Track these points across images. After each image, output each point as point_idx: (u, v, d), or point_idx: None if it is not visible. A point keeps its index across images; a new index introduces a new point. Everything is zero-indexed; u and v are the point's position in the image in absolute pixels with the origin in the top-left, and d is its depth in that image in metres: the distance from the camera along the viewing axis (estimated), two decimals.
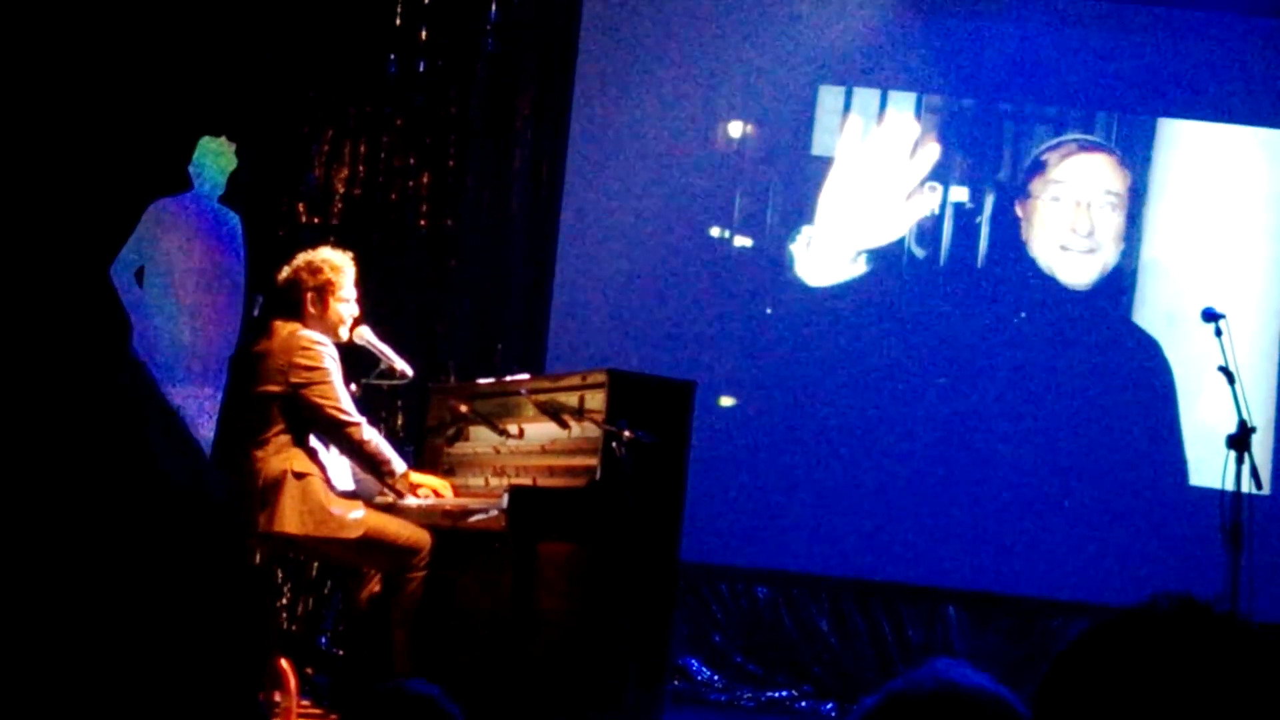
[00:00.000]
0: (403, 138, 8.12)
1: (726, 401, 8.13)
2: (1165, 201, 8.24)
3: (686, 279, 8.19)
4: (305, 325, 5.76)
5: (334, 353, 5.76)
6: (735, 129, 8.32)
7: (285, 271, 5.89)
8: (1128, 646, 1.40)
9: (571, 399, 5.90)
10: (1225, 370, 5.97)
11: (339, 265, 5.85)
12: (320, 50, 7.99)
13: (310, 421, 5.68)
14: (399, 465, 5.83)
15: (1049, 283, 8.24)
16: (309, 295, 5.79)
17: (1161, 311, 8.13)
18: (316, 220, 7.96)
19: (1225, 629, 1.35)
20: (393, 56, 8.14)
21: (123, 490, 0.86)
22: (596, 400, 5.76)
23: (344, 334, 5.88)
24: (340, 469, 5.83)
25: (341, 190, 8.05)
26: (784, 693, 8.00)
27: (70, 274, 0.94)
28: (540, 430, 6.08)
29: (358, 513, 5.70)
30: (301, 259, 5.90)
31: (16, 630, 0.81)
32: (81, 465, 0.86)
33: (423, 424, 6.90)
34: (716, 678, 8.01)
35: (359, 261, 6.08)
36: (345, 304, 5.87)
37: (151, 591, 0.85)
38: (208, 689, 0.86)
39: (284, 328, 5.76)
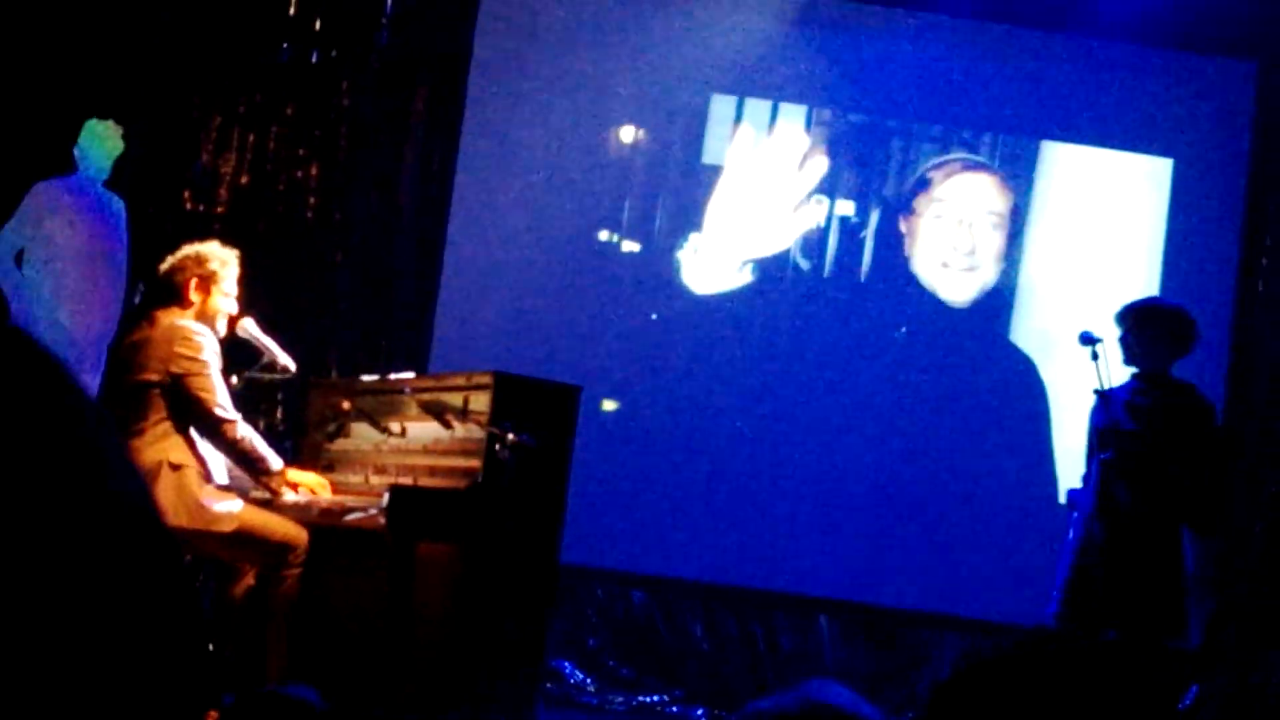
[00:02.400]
0: (293, 128, 8.06)
1: (609, 405, 8.16)
2: (1046, 223, 8.39)
3: (574, 282, 8.20)
4: (184, 312, 5.73)
5: (215, 346, 5.72)
6: (627, 134, 8.34)
7: (170, 260, 5.86)
8: (1008, 681, 1.43)
9: (456, 399, 5.89)
10: (1100, 393, 6.09)
11: (225, 259, 5.84)
12: (212, 36, 7.90)
13: (187, 413, 5.64)
14: (275, 462, 5.79)
15: (930, 299, 8.35)
16: (192, 282, 5.77)
17: (1039, 331, 8.27)
18: (202, 208, 7.88)
19: (1104, 662, 1.39)
20: (285, 45, 8.06)
21: (77, 506, 0.85)
22: (481, 401, 5.75)
23: (221, 328, 5.85)
24: (218, 461, 5.79)
25: (229, 179, 7.97)
26: (655, 697, 8.04)
27: None
28: (423, 430, 6.06)
29: (233, 506, 5.65)
30: (188, 249, 5.88)
31: None
32: (31, 479, 0.85)
33: (303, 419, 6.85)
34: (589, 681, 8.03)
35: (244, 251, 6.04)
36: (226, 298, 5.85)
37: (102, 611, 0.84)
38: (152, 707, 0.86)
39: (165, 317, 5.73)
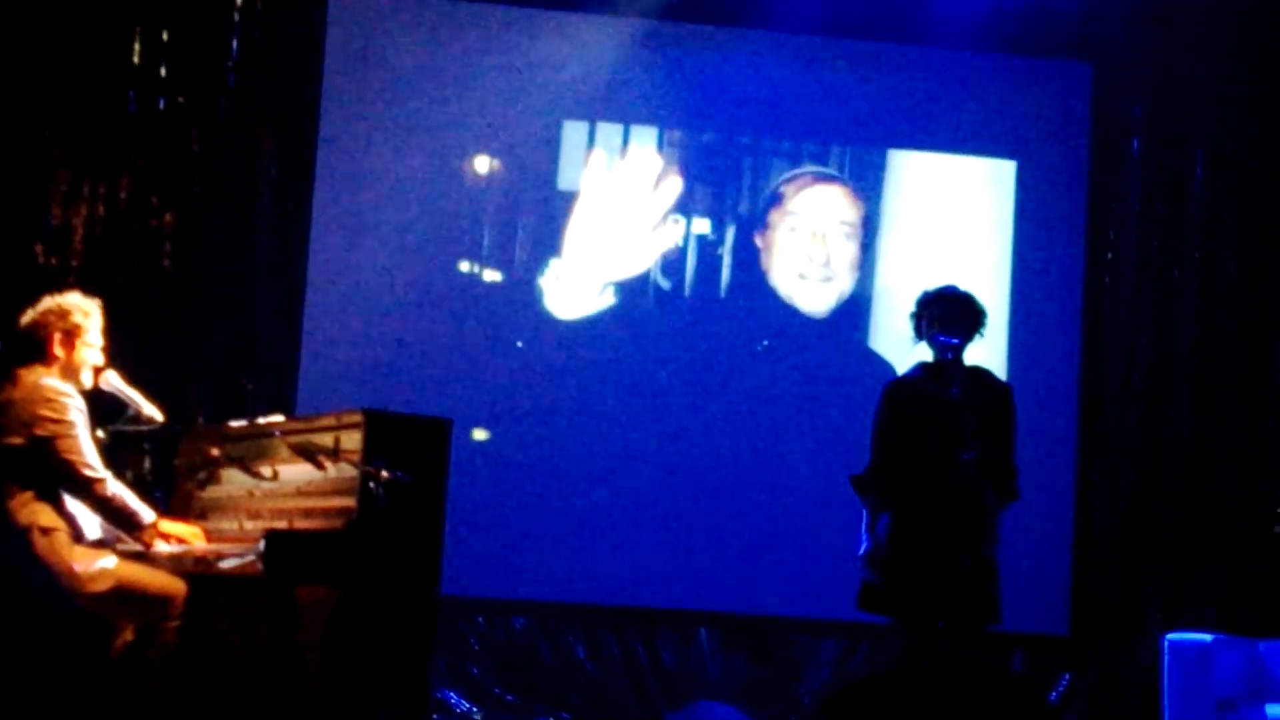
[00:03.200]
0: (144, 176, 8.00)
1: (480, 435, 8.19)
2: (897, 230, 8.56)
3: (438, 315, 8.22)
4: (49, 369, 5.66)
5: (81, 404, 5.66)
6: (482, 164, 8.38)
7: (30, 314, 5.77)
8: (889, 696, 1.50)
9: (327, 439, 5.87)
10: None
11: (88, 310, 5.77)
12: (56, 88, 7.83)
13: (55, 475, 5.58)
14: (146, 516, 5.74)
15: (789, 311, 8.48)
16: (56, 337, 5.69)
17: (896, 337, 8.38)
18: (55, 262, 7.80)
19: (976, 681, 1.47)
20: (131, 94, 8.01)
21: None
22: (352, 440, 5.74)
23: (87, 380, 5.79)
24: (89, 518, 5.73)
25: (81, 230, 7.89)
26: None
27: None
28: (295, 472, 6.03)
29: (106, 563, 5.59)
30: (49, 302, 5.79)
31: None
32: None
33: (173, 468, 6.80)
34: (475, 710, 8.05)
35: (102, 303, 5.98)
36: (91, 349, 5.78)
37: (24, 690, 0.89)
38: None
39: (28, 376, 5.64)
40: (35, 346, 5.70)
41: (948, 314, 5.98)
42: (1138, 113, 8.65)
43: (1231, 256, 8.53)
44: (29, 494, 5.51)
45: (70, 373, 5.71)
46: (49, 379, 5.63)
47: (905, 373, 6.17)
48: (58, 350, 5.70)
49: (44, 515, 5.51)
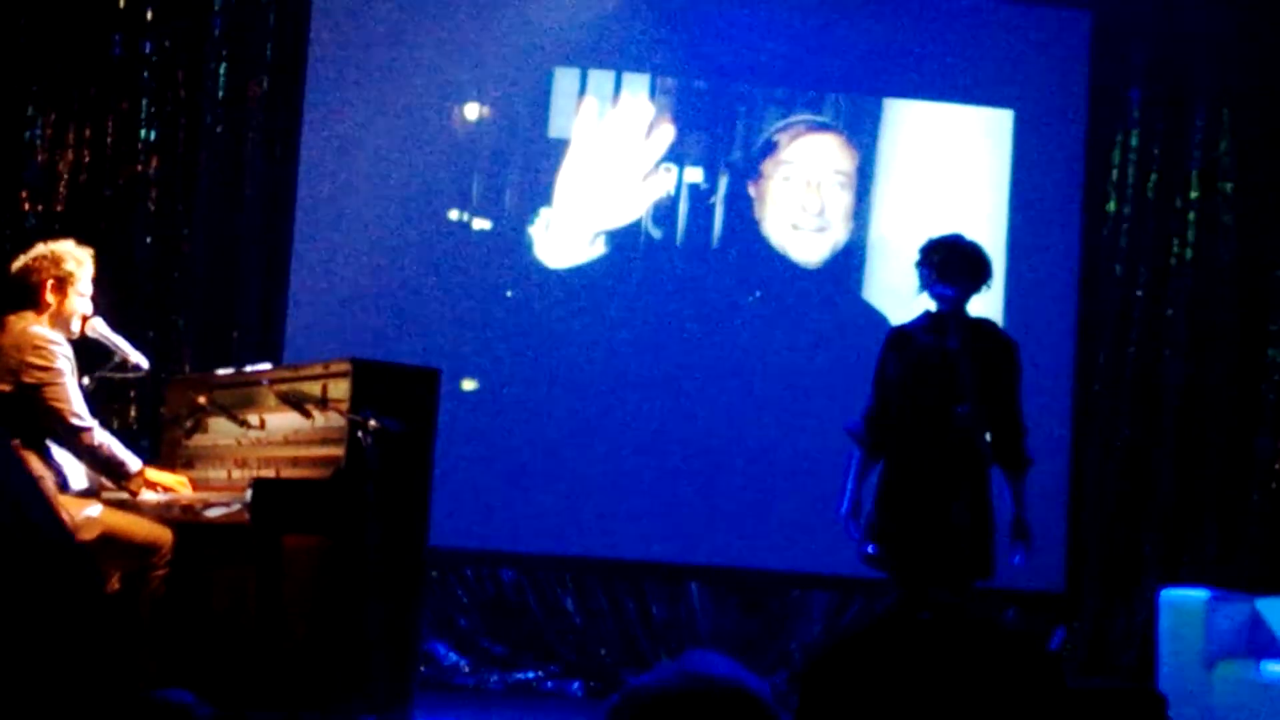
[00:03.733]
0: (130, 121, 7.91)
1: (469, 385, 8.12)
2: (892, 180, 8.48)
3: (426, 263, 8.15)
4: (39, 316, 5.63)
5: (68, 352, 5.63)
6: (472, 111, 8.29)
7: (23, 260, 5.76)
8: (886, 648, 1.45)
9: (314, 388, 5.83)
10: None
11: (81, 259, 5.77)
12: (40, 32, 7.72)
13: (41, 422, 5.54)
14: (134, 464, 5.71)
15: (782, 261, 8.41)
16: (49, 283, 5.69)
17: (890, 288, 8.34)
18: (40, 208, 7.71)
19: (976, 632, 1.41)
20: (117, 38, 7.91)
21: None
22: (340, 389, 5.70)
23: (76, 329, 5.77)
24: (75, 466, 5.69)
25: (66, 176, 7.80)
26: (531, 674, 8.05)
27: None
28: (283, 420, 5.99)
29: (92, 511, 5.56)
30: (43, 248, 5.79)
31: None
32: None
33: (159, 416, 6.74)
34: (463, 661, 8.02)
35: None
36: (82, 299, 5.78)
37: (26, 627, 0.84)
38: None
39: (17, 323, 5.63)
40: (27, 293, 5.69)
41: (947, 263, 5.84)
42: (1137, 61, 8.56)
43: (1230, 208, 8.46)
44: (15, 442, 5.46)
45: (60, 321, 5.70)
46: (38, 326, 5.61)
47: (909, 321, 6.04)
48: (49, 298, 5.68)
49: (30, 463, 5.48)
